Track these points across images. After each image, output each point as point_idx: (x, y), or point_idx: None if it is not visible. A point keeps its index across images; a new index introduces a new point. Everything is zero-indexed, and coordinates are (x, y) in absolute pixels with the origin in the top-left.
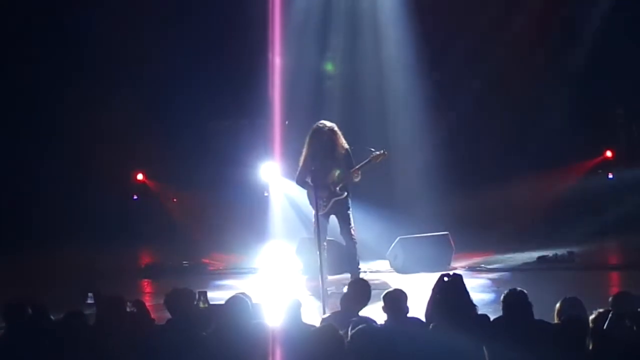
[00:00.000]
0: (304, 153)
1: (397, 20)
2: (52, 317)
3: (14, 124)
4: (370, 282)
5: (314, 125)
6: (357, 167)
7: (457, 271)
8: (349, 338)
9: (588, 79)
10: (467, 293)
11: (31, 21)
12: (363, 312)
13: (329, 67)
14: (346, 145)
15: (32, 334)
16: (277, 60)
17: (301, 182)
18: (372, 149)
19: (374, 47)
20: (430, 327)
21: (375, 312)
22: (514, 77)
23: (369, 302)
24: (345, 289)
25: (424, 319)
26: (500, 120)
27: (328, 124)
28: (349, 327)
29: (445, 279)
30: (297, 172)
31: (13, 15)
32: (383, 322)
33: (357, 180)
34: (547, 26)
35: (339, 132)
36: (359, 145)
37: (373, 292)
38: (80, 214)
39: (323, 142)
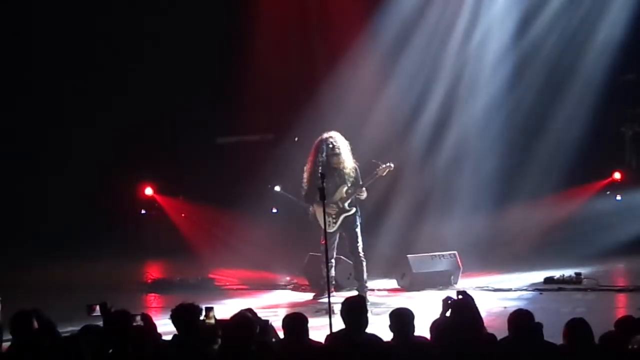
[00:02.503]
0: (308, 168)
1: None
2: (58, 330)
3: (24, 136)
4: (377, 300)
5: (318, 138)
6: (364, 182)
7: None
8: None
9: (597, 101)
10: (478, 312)
11: (41, 35)
12: (368, 330)
13: None
14: (353, 162)
15: (39, 347)
16: (287, 76)
17: (310, 200)
18: (379, 162)
19: (383, 66)
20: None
21: (381, 330)
22: (522, 97)
23: (377, 321)
24: (340, 307)
25: (429, 337)
26: (509, 140)
27: (333, 135)
28: (354, 344)
29: (460, 296)
30: (305, 190)
31: (23, 28)
32: (389, 341)
33: (363, 197)
34: (557, 45)
35: (345, 144)
36: (367, 158)
37: (380, 310)
38: (88, 227)
39: (328, 156)
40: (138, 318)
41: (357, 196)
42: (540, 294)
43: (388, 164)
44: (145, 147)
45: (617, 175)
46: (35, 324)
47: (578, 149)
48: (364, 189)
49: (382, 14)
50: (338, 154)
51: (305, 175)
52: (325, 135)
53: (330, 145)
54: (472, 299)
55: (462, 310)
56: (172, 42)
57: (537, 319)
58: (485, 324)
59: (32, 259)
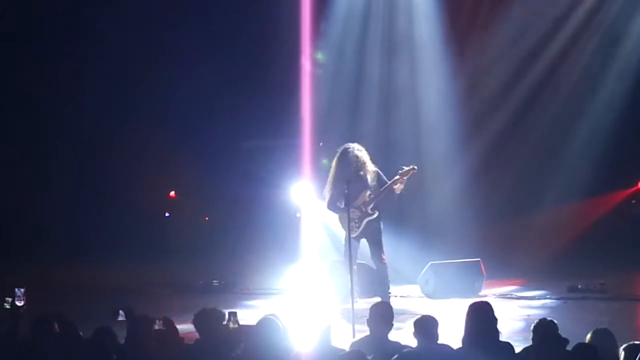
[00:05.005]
0: (330, 177)
1: (433, 43)
2: (80, 333)
3: (51, 142)
4: (401, 307)
5: (340, 149)
6: (388, 183)
7: (487, 299)
8: None
9: (623, 108)
10: (495, 320)
11: (69, 43)
12: (392, 337)
13: (320, 56)
14: (375, 167)
15: (61, 349)
16: (311, 81)
17: (333, 207)
18: (402, 166)
19: (410, 71)
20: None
21: (405, 337)
22: (549, 103)
23: (401, 328)
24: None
25: (456, 346)
26: (534, 147)
27: (353, 146)
28: (378, 351)
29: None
30: (328, 198)
31: (51, 38)
32: (413, 348)
33: (399, 191)
34: (585, 53)
35: (366, 154)
36: (390, 165)
37: (404, 317)
38: (112, 230)
39: (349, 165)
40: (160, 322)
41: (391, 192)
42: (564, 302)
43: (412, 166)
44: (170, 150)
45: None
46: (57, 328)
47: (604, 156)
48: (399, 185)
49: None
50: (363, 164)
51: (329, 183)
52: (346, 146)
53: (355, 158)
54: (490, 307)
55: (481, 316)
56: (198, 47)
57: (560, 328)
58: (508, 333)
59: (57, 262)
